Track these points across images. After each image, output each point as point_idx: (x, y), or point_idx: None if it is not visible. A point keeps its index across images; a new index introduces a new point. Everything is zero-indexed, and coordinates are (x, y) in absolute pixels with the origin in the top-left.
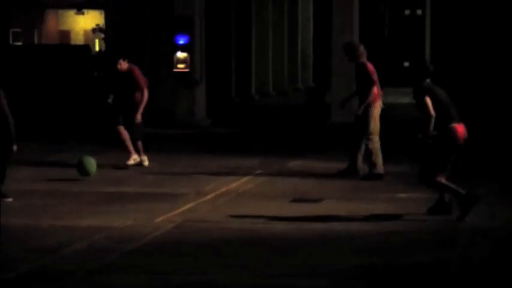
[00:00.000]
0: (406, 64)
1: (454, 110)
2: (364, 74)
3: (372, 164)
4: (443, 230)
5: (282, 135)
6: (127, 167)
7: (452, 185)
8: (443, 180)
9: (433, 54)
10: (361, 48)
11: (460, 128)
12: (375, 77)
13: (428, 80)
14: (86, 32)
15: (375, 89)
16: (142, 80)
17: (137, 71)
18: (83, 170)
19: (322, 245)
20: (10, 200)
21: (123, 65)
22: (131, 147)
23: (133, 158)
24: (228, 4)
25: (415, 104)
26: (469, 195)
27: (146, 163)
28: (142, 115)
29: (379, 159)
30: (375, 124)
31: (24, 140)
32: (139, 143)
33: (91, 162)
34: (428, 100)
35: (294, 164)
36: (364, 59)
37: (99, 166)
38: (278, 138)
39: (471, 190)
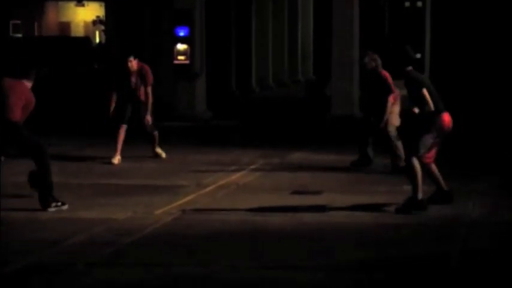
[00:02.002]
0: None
1: (439, 98)
2: (382, 83)
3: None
4: (444, 223)
5: (282, 128)
6: (111, 163)
7: (420, 181)
8: (416, 163)
9: (432, 46)
10: (377, 57)
11: (446, 117)
12: (392, 86)
13: (410, 68)
14: (86, 24)
15: (391, 97)
16: (151, 78)
17: (149, 69)
18: None
19: (322, 237)
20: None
21: (134, 63)
22: (119, 148)
23: (118, 158)
24: None
25: (408, 96)
26: (421, 201)
27: (164, 155)
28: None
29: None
30: (393, 124)
31: None
32: (156, 133)
33: None
34: (426, 93)
35: (294, 156)
36: (381, 68)
37: (98, 159)
38: (278, 131)
39: (433, 199)
